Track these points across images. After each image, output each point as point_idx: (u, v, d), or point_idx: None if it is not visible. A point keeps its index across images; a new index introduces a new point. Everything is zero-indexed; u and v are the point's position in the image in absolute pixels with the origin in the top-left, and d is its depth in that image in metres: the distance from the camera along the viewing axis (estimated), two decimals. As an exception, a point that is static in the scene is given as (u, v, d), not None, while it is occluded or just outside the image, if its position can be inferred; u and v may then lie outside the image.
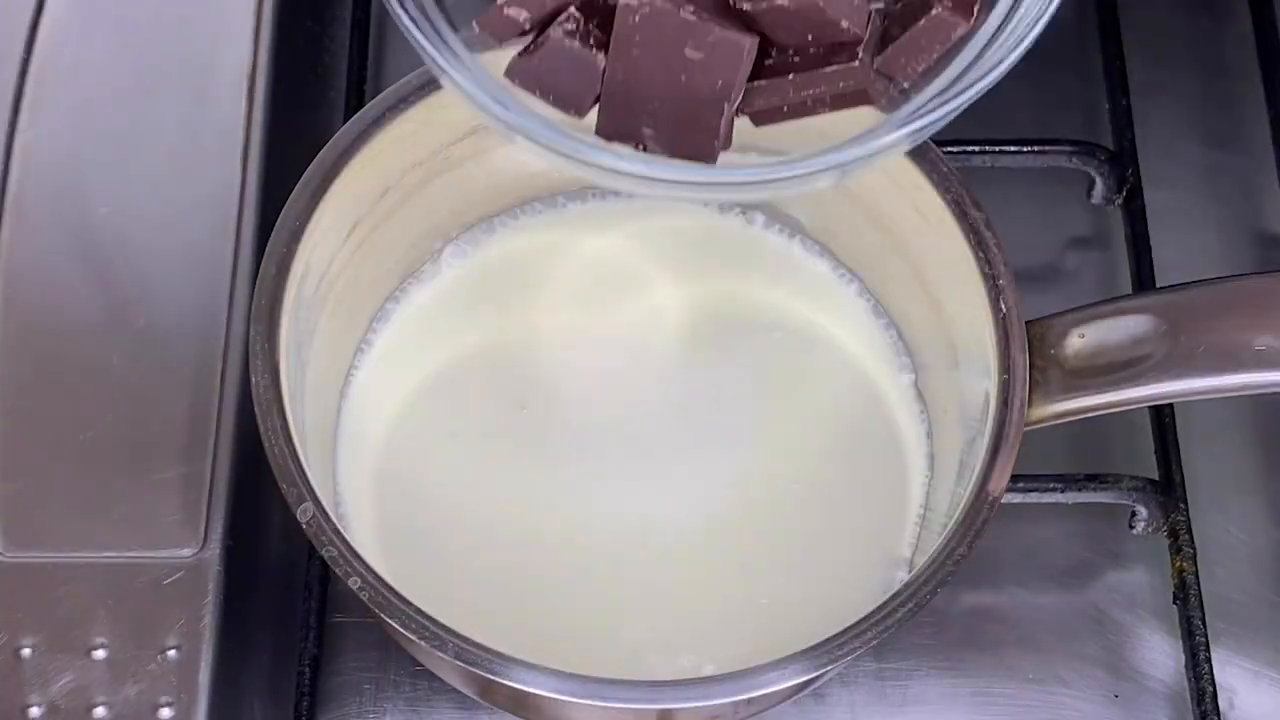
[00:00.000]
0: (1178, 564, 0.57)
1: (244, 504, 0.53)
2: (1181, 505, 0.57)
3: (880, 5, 0.42)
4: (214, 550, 0.52)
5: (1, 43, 0.59)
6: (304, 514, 0.47)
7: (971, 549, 0.48)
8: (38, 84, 0.58)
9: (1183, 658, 0.57)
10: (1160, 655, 0.58)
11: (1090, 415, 0.51)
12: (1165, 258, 0.62)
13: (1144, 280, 0.61)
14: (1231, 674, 0.58)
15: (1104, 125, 0.65)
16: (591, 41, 0.41)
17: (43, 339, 0.55)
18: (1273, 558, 0.60)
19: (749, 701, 0.48)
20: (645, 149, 0.41)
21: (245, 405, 0.51)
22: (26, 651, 0.50)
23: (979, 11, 0.41)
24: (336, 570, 0.47)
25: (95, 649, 0.50)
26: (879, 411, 0.57)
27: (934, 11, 0.40)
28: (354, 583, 0.46)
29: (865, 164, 0.41)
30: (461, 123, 0.54)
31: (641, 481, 0.56)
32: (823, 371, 0.58)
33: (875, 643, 0.46)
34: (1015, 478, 0.50)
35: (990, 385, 0.51)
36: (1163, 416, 0.59)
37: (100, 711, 0.50)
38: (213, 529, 0.52)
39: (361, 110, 0.53)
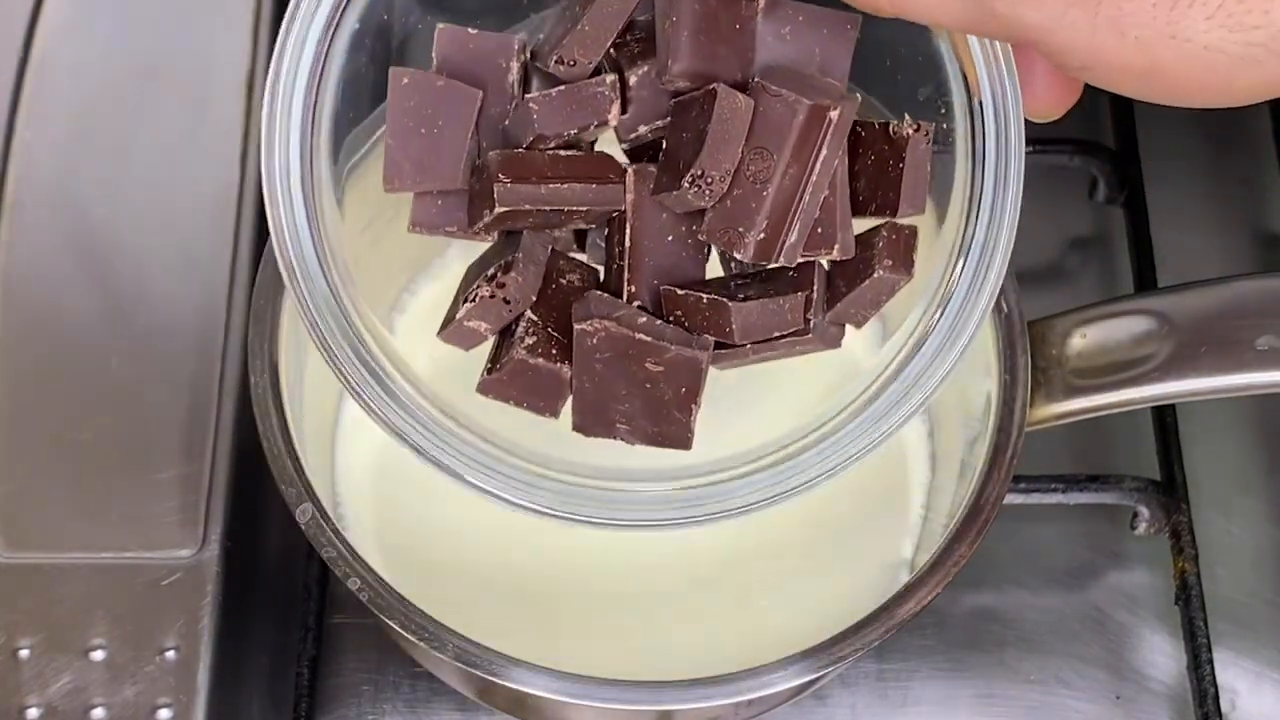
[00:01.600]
0: (1179, 565, 0.57)
1: (243, 504, 0.53)
2: (1183, 506, 0.57)
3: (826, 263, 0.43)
4: (212, 551, 0.52)
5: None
6: (303, 515, 0.47)
7: (973, 550, 0.48)
8: (36, 83, 0.58)
9: (1184, 659, 0.56)
10: (1162, 656, 0.58)
11: (1092, 416, 0.51)
12: (1166, 258, 0.62)
13: (1145, 280, 0.61)
14: (1233, 675, 0.58)
15: (1106, 125, 0.65)
16: (555, 352, 0.41)
17: (41, 339, 0.55)
18: (1275, 558, 0.60)
19: (750, 702, 0.48)
20: (623, 440, 0.43)
21: (244, 405, 0.51)
22: (25, 652, 0.50)
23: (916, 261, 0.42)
24: (336, 571, 0.47)
25: (93, 650, 0.50)
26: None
27: (876, 274, 0.41)
28: (353, 583, 0.46)
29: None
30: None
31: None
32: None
33: (876, 644, 0.46)
34: (1017, 479, 0.50)
35: (991, 386, 0.50)
36: (1164, 417, 0.59)
37: (98, 712, 0.50)
38: (211, 529, 0.52)
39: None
